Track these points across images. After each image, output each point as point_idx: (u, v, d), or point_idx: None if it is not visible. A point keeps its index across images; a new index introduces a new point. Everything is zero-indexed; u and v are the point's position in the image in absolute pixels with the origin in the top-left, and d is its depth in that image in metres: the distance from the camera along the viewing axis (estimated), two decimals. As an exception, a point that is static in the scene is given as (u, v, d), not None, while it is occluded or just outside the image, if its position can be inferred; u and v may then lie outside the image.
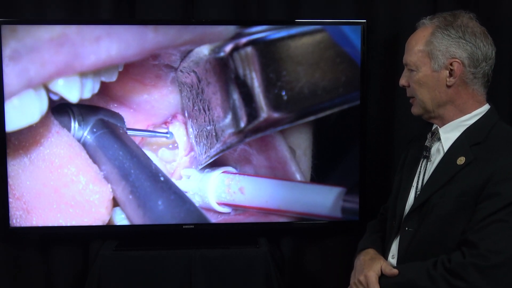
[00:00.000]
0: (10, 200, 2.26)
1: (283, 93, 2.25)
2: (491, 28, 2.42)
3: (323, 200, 2.33)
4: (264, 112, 2.24)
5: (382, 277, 1.61)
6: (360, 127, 2.32)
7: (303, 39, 2.26)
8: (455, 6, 2.42)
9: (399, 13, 2.42)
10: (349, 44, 2.27)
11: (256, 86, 2.23)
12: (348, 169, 2.34)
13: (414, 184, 1.68)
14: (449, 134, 1.63)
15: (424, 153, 1.67)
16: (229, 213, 2.36)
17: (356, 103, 2.31)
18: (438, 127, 1.67)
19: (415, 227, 1.61)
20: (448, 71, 1.59)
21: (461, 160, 1.57)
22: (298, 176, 2.33)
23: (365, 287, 1.62)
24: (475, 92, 1.63)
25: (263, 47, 2.22)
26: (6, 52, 2.17)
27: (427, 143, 1.68)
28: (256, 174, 2.33)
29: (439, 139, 1.66)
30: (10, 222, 2.27)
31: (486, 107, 1.65)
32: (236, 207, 2.35)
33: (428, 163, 1.66)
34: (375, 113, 2.44)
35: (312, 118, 2.29)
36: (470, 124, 1.62)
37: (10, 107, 2.20)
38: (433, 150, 1.67)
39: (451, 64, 1.59)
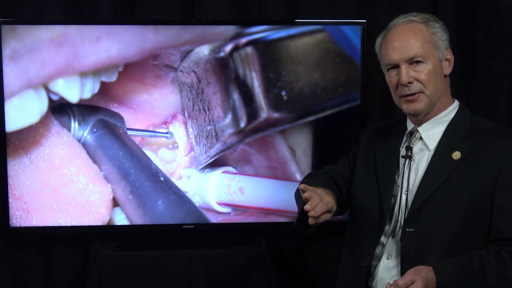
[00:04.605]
0: (10, 200, 2.26)
1: (283, 93, 2.25)
2: (491, 28, 2.45)
3: (323, 200, 2.33)
4: (264, 112, 2.24)
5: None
6: (360, 127, 2.32)
7: (303, 39, 2.26)
8: (455, 6, 2.43)
9: (399, 13, 2.40)
10: (349, 44, 2.27)
11: (256, 86, 2.22)
12: (348, 169, 2.34)
13: (399, 184, 1.64)
14: (430, 132, 1.63)
15: (407, 153, 1.64)
16: (229, 213, 2.35)
17: (356, 103, 2.31)
18: (416, 127, 1.66)
19: (418, 227, 1.57)
20: (444, 61, 1.62)
21: (456, 155, 1.57)
22: (298, 176, 2.33)
23: None
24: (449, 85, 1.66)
25: (263, 47, 2.22)
26: (6, 52, 2.17)
27: (410, 144, 1.65)
28: (256, 174, 2.33)
29: (419, 138, 1.65)
30: (10, 222, 2.27)
31: (457, 102, 1.67)
32: (236, 207, 2.35)
33: (412, 163, 1.64)
34: (375, 113, 2.43)
35: (312, 118, 2.29)
36: (450, 120, 1.64)
37: (10, 107, 2.20)
38: (415, 149, 1.65)
39: (448, 53, 1.62)
